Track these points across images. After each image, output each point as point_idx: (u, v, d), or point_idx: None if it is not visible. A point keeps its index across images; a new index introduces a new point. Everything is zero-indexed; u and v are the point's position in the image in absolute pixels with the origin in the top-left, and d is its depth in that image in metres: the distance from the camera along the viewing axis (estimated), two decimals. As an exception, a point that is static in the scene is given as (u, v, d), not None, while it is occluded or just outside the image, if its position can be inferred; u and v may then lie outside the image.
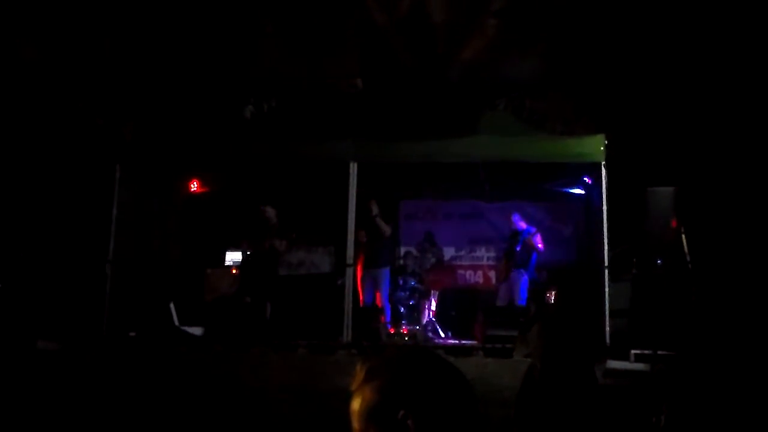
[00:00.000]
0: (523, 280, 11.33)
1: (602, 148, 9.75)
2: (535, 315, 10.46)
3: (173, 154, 11.12)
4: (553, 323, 3.60)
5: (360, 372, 1.79)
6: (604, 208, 9.71)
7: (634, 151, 10.03)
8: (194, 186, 12.90)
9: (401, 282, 11.65)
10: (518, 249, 11.41)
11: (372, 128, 10.66)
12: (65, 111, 10.52)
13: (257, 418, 7.72)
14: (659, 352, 8.26)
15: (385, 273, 11.29)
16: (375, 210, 11.10)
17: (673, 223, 8.63)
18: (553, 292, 11.08)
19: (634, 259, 9.89)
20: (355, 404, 1.74)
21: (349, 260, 10.19)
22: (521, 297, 11.21)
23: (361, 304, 11.06)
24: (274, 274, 11.49)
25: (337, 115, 10.98)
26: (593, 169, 10.29)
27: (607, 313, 9.28)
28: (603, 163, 9.80)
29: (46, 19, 10.32)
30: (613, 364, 8.44)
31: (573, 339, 3.46)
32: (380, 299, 11.11)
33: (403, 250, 12.77)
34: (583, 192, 11.98)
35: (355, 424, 1.74)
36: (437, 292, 12.09)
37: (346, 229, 10.22)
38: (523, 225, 11.64)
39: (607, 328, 9.21)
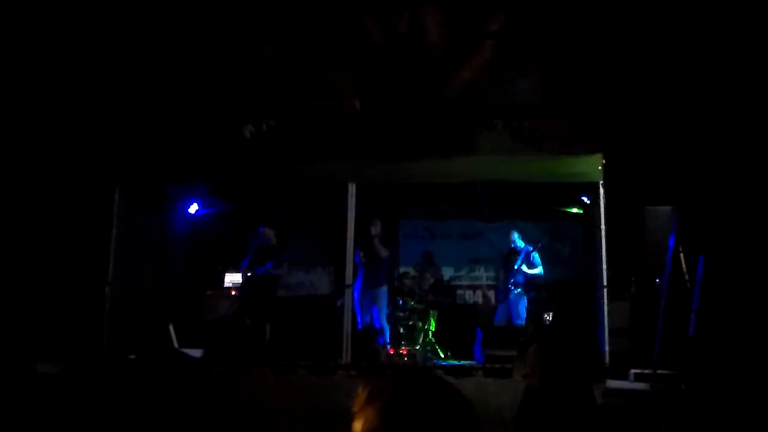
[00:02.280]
0: (521, 300, 11.33)
1: (600, 168, 9.79)
2: (532, 335, 10.45)
3: (172, 175, 11.15)
4: (551, 344, 3.61)
5: (362, 393, 1.77)
6: (603, 227, 9.73)
7: (632, 171, 10.06)
8: (193, 207, 12.91)
9: (400, 302, 11.61)
10: (516, 268, 11.43)
11: (370, 149, 10.68)
12: (63, 136, 10.54)
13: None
14: (659, 372, 8.25)
15: (383, 293, 11.24)
16: (374, 231, 11.09)
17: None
18: (551, 313, 11.07)
19: (633, 278, 9.90)
20: (357, 426, 1.74)
21: (348, 281, 10.19)
22: (520, 316, 11.20)
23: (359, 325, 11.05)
24: (274, 296, 11.49)
25: (336, 135, 11.00)
26: (591, 189, 10.31)
27: (606, 332, 9.28)
28: (601, 182, 9.83)
29: (44, 43, 10.36)
30: (613, 383, 8.43)
31: (570, 359, 3.47)
32: (379, 319, 11.06)
33: (401, 270, 12.75)
34: (581, 211, 12.00)
35: None
36: (436, 313, 12.05)
37: (345, 249, 10.23)
38: (521, 244, 11.66)
39: (606, 348, 9.20)
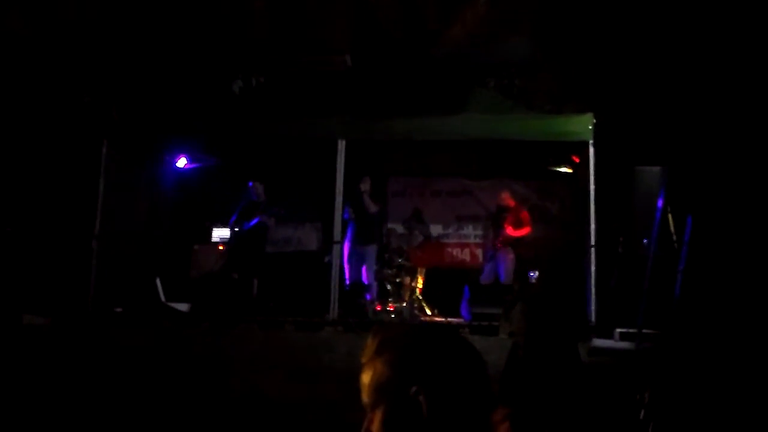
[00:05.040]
0: (509, 259, 11.32)
1: (590, 127, 9.74)
2: (518, 293, 10.50)
3: (160, 129, 11.06)
4: (536, 302, 3.61)
5: (371, 344, 1.74)
6: (592, 186, 9.72)
7: (622, 130, 10.03)
8: (182, 162, 12.84)
9: (388, 259, 11.62)
10: (504, 226, 11.40)
11: (360, 105, 10.63)
12: (51, 87, 10.44)
13: (244, 393, 7.74)
14: (644, 331, 8.30)
15: (372, 250, 11.25)
16: (363, 187, 11.06)
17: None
18: (537, 271, 11.10)
19: (621, 238, 9.92)
20: (366, 377, 1.71)
21: (337, 237, 10.18)
22: (507, 275, 11.21)
23: (347, 281, 11.09)
24: (262, 251, 11.49)
25: (326, 91, 10.94)
26: (581, 148, 10.29)
27: (593, 291, 9.31)
28: (591, 141, 9.80)
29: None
30: (598, 342, 8.48)
31: (555, 317, 3.47)
32: (367, 276, 11.08)
33: (390, 226, 12.74)
34: (570, 171, 11.99)
35: (365, 397, 1.71)
36: (424, 270, 12.08)
37: (333, 206, 10.20)
38: (511, 203, 11.63)
39: (593, 307, 9.24)
